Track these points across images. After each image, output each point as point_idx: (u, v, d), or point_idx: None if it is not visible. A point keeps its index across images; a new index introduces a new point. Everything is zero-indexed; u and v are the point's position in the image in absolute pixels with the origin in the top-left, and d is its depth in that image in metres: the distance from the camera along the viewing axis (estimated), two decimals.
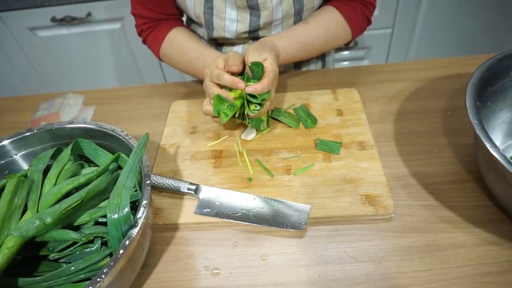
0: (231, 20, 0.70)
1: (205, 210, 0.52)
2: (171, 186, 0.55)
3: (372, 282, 0.45)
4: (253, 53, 0.59)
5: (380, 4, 1.25)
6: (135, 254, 0.40)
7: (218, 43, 0.79)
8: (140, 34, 0.75)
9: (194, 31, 0.81)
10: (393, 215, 0.51)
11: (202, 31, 0.77)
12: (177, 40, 0.71)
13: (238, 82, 0.54)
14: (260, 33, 0.73)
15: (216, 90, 0.55)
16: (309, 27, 0.68)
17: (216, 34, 0.72)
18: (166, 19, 0.74)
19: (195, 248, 0.50)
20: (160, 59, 0.76)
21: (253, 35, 0.73)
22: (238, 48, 0.77)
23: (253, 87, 0.54)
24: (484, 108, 0.54)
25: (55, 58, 1.44)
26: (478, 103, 0.48)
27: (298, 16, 0.72)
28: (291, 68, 0.83)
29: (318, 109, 0.68)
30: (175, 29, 0.72)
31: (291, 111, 0.68)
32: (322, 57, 0.85)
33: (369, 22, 0.73)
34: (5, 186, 0.44)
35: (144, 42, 0.76)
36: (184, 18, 0.80)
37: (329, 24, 0.69)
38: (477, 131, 0.43)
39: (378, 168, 0.56)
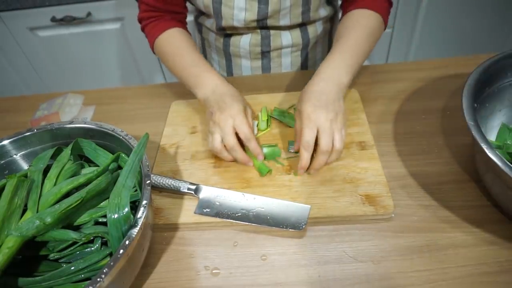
0: (239, 9, 0.71)
1: (205, 210, 0.52)
2: (171, 186, 0.55)
3: (372, 282, 0.45)
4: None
5: None
6: (135, 254, 0.40)
7: (226, 34, 0.79)
8: (140, 21, 0.73)
9: (202, 24, 0.81)
10: (392, 215, 0.51)
11: (210, 22, 0.77)
12: (176, 40, 0.69)
13: (259, 155, 0.57)
14: (269, 21, 0.73)
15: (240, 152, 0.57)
16: (352, 36, 0.62)
17: (224, 23, 0.73)
18: (170, 12, 0.71)
19: (195, 248, 0.50)
20: (153, 51, 0.73)
21: (261, 24, 0.74)
22: (246, 38, 0.78)
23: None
24: (483, 109, 0.54)
25: (55, 58, 1.44)
26: (475, 104, 0.48)
27: (307, 6, 0.72)
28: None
29: None
30: (176, 28, 0.70)
31: (291, 111, 0.68)
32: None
33: (390, 4, 0.69)
34: (5, 186, 0.44)
35: (142, 29, 0.74)
36: (189, 18, 0.78)
37: (364, 23, 0.64)
38: (473, 132, 0.43)
39: (378, 168, 0.56)
